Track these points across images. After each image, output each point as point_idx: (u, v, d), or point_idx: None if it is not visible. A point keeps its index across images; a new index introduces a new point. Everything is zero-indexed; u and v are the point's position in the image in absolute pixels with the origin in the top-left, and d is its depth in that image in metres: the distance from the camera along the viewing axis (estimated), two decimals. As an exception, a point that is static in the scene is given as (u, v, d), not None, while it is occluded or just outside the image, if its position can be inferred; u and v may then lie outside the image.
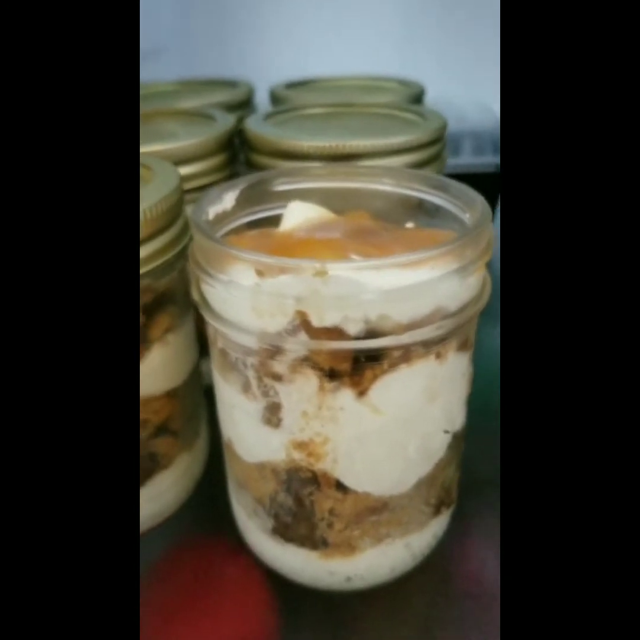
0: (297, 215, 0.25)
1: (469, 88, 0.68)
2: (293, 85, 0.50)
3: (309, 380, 0.22)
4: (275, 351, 0.22)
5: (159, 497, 0.30)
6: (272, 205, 0.29)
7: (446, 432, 0.25)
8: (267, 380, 0.23)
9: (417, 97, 0.46)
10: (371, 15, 0.69)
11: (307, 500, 0.25)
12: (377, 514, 0.25)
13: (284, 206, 0.29)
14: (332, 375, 0.22)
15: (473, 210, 0.25)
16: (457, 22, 0.72)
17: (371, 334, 0.21)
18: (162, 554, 0.31)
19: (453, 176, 0.51)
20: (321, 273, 0.20)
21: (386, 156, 0.33)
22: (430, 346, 0.22)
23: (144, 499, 0.30)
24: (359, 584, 0.27)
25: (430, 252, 0.20)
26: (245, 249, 0.24)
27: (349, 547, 0.26)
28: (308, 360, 0.21)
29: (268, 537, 0.27)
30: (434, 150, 0.35)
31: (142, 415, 0.28)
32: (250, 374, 0.23)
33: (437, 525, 0.28)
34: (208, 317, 0.23)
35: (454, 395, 0.25)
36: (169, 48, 0.67)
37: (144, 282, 0.26)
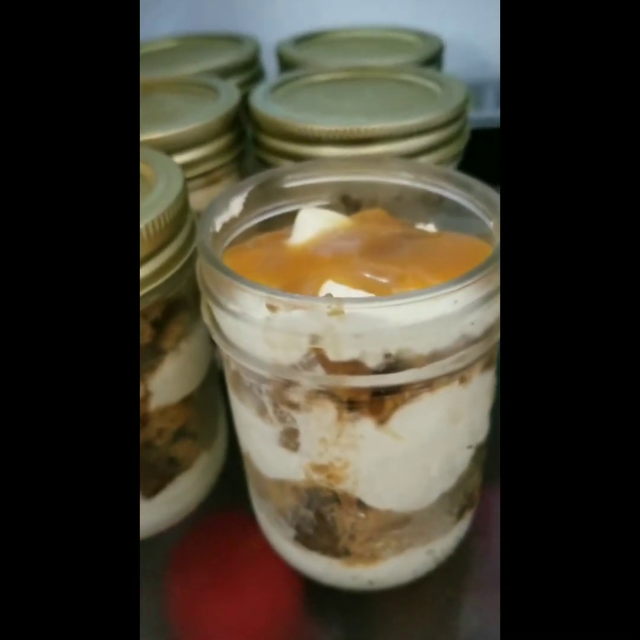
0: (309, 227, 0.24)
1: (492, 28, 0.64)
2: (302, 39, 0.47)
3: (327, 410, 0.21)
4: (290, 383, 0.21)
5: (181, 497, 0.31)
6: (282, 202, 0.27)
7: (470, 447, 0.25)
8: (283, 408, 0.22)
9: (436, 56, 0.43)
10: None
11: (328, 516, 0.25)
12: (400, 528, 0.25)
13: (296, 203, 0.27)
14: (351, 405, 0.21)
15: (497, 217, 0.23)
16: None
17: (392, 367, 0.20)
18: (187, 533, 0.32)
19: (477, 132, 0.49)
20: (337, 312, 0.18)
21: (403, 139, 0.30)
22: (454, 374, 0.21)
23: (165, 500, 0.30)
24: (381, 586, 0.28)
25: (452, 287, 0.19)
26: (256, 270, 0.23)
27: (371, 556, 0.26)
28: (325, 392, 0.21)
29: (290, 543, 0.27)
30: (455, 128, 0.32)
31: (159, 424, 0.28)
32: (266, 400, 0.22)
33: (460, 529, 0.28)
34: (220, 344, 0.22)
35: (478, 412, 0.24)
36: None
37: (153, 298, 0.25)
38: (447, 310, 0.19)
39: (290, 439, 0.23)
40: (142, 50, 0.47)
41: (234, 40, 0.47)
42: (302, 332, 0.19)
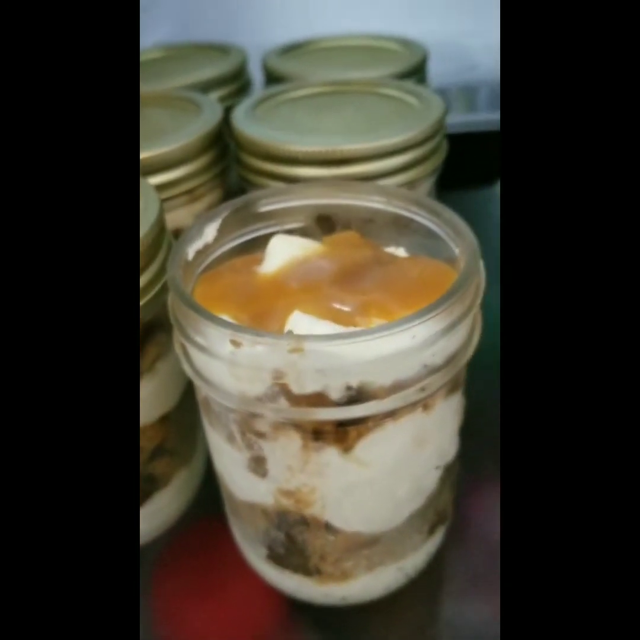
0: (280, 254, 0.24)
1: (481, 30, 0.63)
2: (288, 50, 0.47)
3: (292, 440, 0.22)
4: (255, 414, 0.21)
5: (159, 512, 0.31)
6: (257, 226, 0.27)
7: (438, 468, 0.25)
8: (250, 436, 0.22)
9: (419, 65, 0.43)
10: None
11: (298, 537, 0.25)
12: (369, 548, 0.26)
13: (271, 226, 0.28)
14: (316, 435, 0.21)
15: (462, 244, 0.23)
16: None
17: (354, 399, 0.20)
18: (166, 545, 0.32)
19: (470, 136, 0.49)
20: (297, 350, 0.19)
21: (380, 159, 0.31)
22: (417, 403, 0.21)
23: (143, 515, 0.30)
24: (354, 601, 0.28)
25: (410, 323, 0.19)
26: (226, 299, 0.23)
27: (342, 575, 0.27)
28: (290, 423, 0.21)
29: (263, 561, 0.28)
30: (432, 145, 0.33)
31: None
32: (234, 428, 0.23)
33: (432, 545, 0.29)
34: (189, 374, 0.22)
35: (445, 434, 0.25)
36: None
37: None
38: (406, 345, 0.20)
39: (258, 465, 0.23)
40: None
41: (222, 50, 0.47)
42: (266, 368, 0.20)
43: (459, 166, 0.38)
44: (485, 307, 0.23)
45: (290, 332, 0.21)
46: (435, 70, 0.48)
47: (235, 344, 0.20)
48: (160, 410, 0.29)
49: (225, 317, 0.23)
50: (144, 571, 0.31)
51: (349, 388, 0.20)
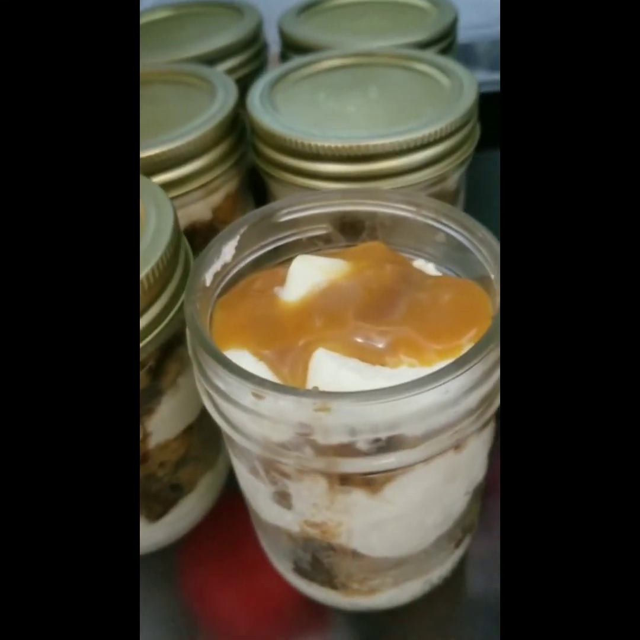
0: (302, 280, 0.23)
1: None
2: (305, 8, 0.44)
3: (318, 483, 0.21)
4: (279, 460, 0.20)
5: (182, 518, 0.31)
6: (277, 236, 0.26)
7: (467, 494, 0.25)
8: (275, 474, 0.22)
9: (449, 30, 0.39)
10: None
11: (325, 560, 0.25)
12: (396, 569, 0.25)
13: (291, 236, 0.26)
14: (342, 480, 0.21)
15: (496, 270, 0.22)
16: None
17: (384, 448, 0.19)
18: (194, 540, 0.33)
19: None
20: (323, 409, 0.18)
21: (406, 154, 0.29)
22: (447, 448, 0.21)
23: (169, 521, 0.31)
24: (379, 609, 0.28)
25: (445, 378, 0.18)
26: (246, 332, 0.22)
27: (369, 591, 0.27)
28: (316, 469, 0.20)
29: (289, 572, 0.28)
30: (464, 134, 0.30)
31: (161, 457, 0.28)
32: (257, 464, 0.22)
33: (457, 555, 0.28)
34: (211, 412, 0.22)
35: (476, 465, 0.24)
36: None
37: (151, 347, 0.24)
38: (439, 399, 0.18)
39: (283, 499, 0.23)
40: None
41: (235, 10, 0.44)
42: (290, 421, 0.19)
43: (492, 127, 0.36)
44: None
45: (316, 388, 0.20)
46: (463, 22, 0.44)
47: (258, 397, 0.19)
48: (184, 423, 0.28)
49: (246, 353, 0.22)
50: (171, 563, 0.32)
51: (377, 440, 0.19)
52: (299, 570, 0.27)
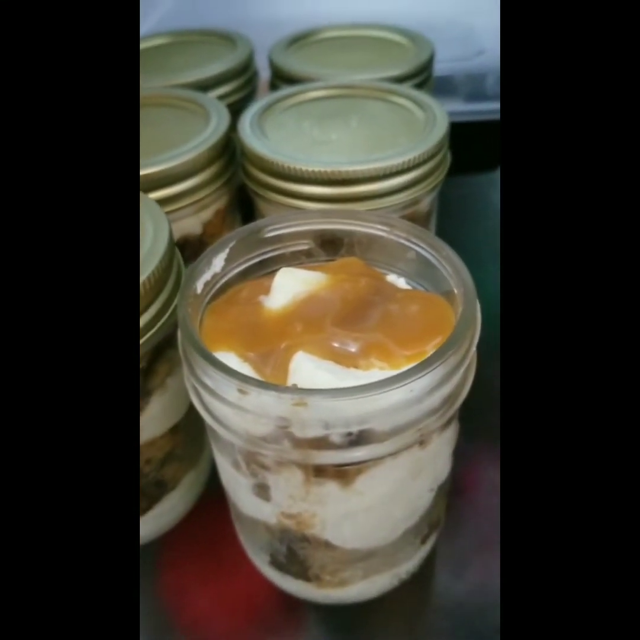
0: (285, 290, 0.25)
1: (488, 6, 0.62)
2: (293, 41, 0.47)
3: (295, 474, 0.23)
4: (260, 453, 0.22)
5: (166, 513, 0.33)
6: (263, 250, 0.28)
7: (432, 490, 0.27)
8: (255, 467, 0.24)
9: (426, 64, 0.43)
10: None
11: (299, 552, 0.27)
12: (366, 560, 0.27)
13: (276, 250, 0.28)
14: (317, 472, 0.23)
15: (459, 285, 0.24)
16: None
17: (355, 442, 0.21)
18: (175, 537, 0.35)
19: (478, 125, 0.48)
20: (301, 403, 0.20)
21: (384, 179, 0.31)
22: (415, 442, 0.23)
23: (153, 516, 0.32)
24: (350, 602, 0.30)
25: (409, 378, 0.20)
26: (234, 336, 0.24)
27: (340, 582, 0.29)
28: (293, 461, 0.22)
29: (266, 565, 0.30)
30: (435, 162, 0.33)
31: (147, 454, 0.30)
32: (239, 458, 0.24)
33: (424, 551, 0.31)
34: (197, 407, 0.24)
35: (439, 463, 0.26)
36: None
37: (145, 347, 0.26)
38: (404, 398, 0.21)
39: (262, 491, 0.25)
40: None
41: (228, 39, 0.47)
42: (270, 415, 0.21)
43: (464, 155, 0.38)
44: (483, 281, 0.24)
45: (295, 385, 0.22)
46: (441, 55, 0.48)
47: (242, 392, 0.21)
48: (171, 422, 0.30)
49: (232, 355, 0.24)
50: (151, 560, 0.34)
51: (349, 434, 0.21)
52: (275, 563, 0.29)
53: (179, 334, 0.24)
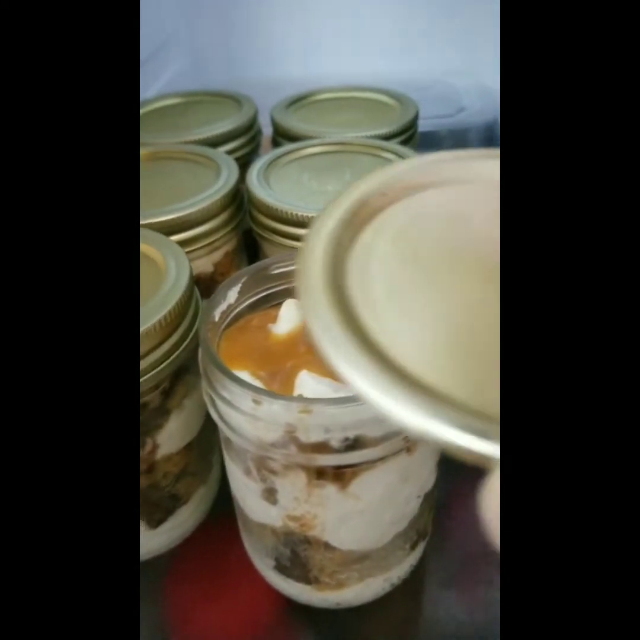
0: (290, 318, 0.29)
1: (469, 67, 0.68)
2: (292, 102, 0.52)
3: (299, 477, 0.27)
4: (270, 457, 0.26)
5: (178, 526, 0.36)
6: (270, 285, 0.32)
7: (419, 497, 0.30)
8: (264, 472, 0.27)
9: (412, 122, 0.48)
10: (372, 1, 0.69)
11: (301, 554, 0.30)
12: (360, 563, 0.31)
13: (281, 285, 0.32)
14: (319, 475, 0.26)
15: None
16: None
17: (351, 447, 0.25)
18: (183, 552, 0.37)
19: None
20: (306, 411, 0.24)
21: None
22: (402, 448, 0.26)
23: (167, 528, 0.35)
24: (346, 606, 0.33)
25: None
26: (246, 357, 0.28)
27: (337, 584, 0.32)
28: (298, 465, 0.26)
29: (270, 570, 0.33)
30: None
31: (164, 469, 0.33)
32: (251, 464, 0.28)
33: (413, 558, 0.34)
34: (215, 418, 0.27)
35: (425, 470, 0.29)
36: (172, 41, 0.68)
37: (166, 371, 0.30)
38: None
39: (270, 494, 0.28)
40: (150, 106, 0.52)
41: (234, 100, 0.52)
42: (279, 422, 0.24)
43: None
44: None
45: (300, 396, 0.26)
46: (427, 112, 0.53)
47: (256, 402, 0.25)
48: (186, 439, 0.34)
49: (246, 373, 0.28)
50: (159, 577, 0.37)
51: (346, 439, 0.25)
52: (279, 567, 0.32)
53: (200, 353, 0.28)
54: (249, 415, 0.25)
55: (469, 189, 0.21)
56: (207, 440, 0.37)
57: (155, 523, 0.34)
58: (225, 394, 0.26)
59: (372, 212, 0.20)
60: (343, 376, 0.15)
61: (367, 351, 0.15)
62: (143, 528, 0.34)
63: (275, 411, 0.24)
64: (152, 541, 0.35)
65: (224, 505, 0.37)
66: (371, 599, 0.33)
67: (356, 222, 0.20)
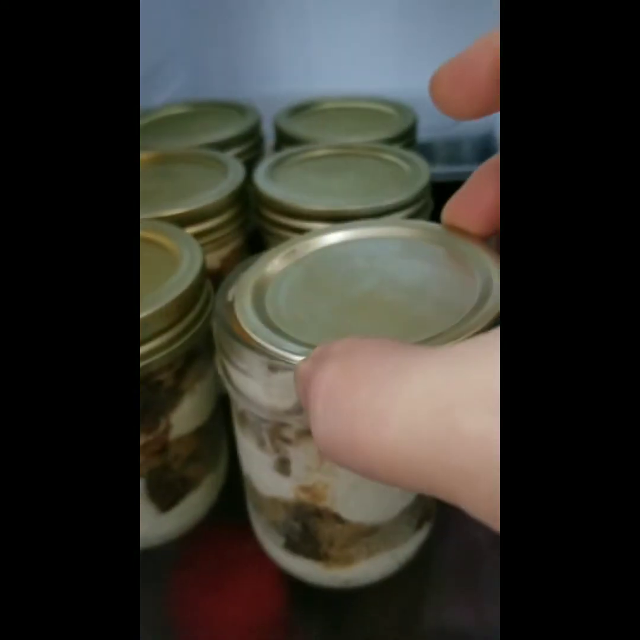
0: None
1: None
2: (295, 111, 0.54)
3: (312, 445, 0.28)
4: (283, 424, 0.27)
5: (188, 511, 0.37)
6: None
7: (424, 471, 0.31)
8: (278, 442, 0.28)
9: (411, 129, 0.50)
10: (371, 17, 0.72)
11: (312, 527, 0.31)
12: (369, 536, 0.32)
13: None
14: (330, 441, 0.27)
15: None
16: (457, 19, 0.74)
17: (360, 413, 0.26)
18: (192, 540, 0.38)
19: (456, 184, 0.55)
20: (320, 374, 0.25)
21: (378, 216, 0.37)
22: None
23: (177, 513, 0.36)
24: (355, 585, 0.34)
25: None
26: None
27: (346, 560, 0.32)
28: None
29: (280, 549, 0.34)
30: (421, 205, 0.39)
31: (176, 451, 0.34)
32: (265, 435, 0.29)
33: (419, 537, 0.35)
34: (230, 392, 0.29)
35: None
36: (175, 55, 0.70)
37: (179, 352, 0.31)
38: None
39: (283, 465, 0.29)
40: (160, 114, 0.55)
41: (238, 109, 0.54)
42: (294, 389, 0.26)
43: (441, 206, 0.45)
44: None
45: (314, 361, 0.27)
46: (423, 125, 0.55)
47: (272, 369, 0.26)
48: (196, 422, 0.35)
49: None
50: (166, 566, 0.37)
51: (357, 404, 0.26)
52: (289, 544, 0.33)
53: (214, 328, 0.29)
54: (263, 383, 0.26)
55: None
56: (216, 427, 0.38)
57: (166, 506, 0.35)
58: (240, 364, 0.27)
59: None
60: (254, 339, 0.26)
61: (268, 326, 0.26)
62: (154, 511, 0.35)
63: (290, 378, 0.26)
64: (163, 526, 0.36)
65: (231, 497, 0.38)
66: (379, 578, 0.34)
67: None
